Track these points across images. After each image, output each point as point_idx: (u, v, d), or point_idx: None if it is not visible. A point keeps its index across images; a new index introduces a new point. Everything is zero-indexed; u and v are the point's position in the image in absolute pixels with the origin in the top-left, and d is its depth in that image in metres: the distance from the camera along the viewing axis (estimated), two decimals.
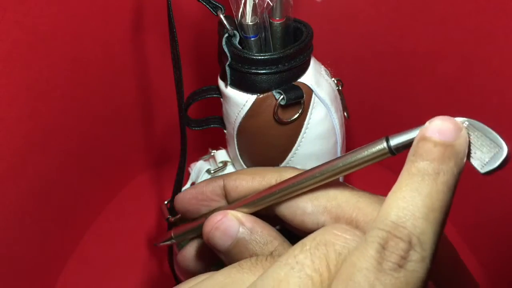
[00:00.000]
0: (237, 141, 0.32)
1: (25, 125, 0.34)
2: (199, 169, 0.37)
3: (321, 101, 0.31)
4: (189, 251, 0.25)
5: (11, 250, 0.35)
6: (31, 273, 0.39)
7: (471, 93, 0.39)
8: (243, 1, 0.28)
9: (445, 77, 0.41)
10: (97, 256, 0.46)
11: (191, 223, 0.24)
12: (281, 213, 0.20)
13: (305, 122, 0.31)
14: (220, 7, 0.28)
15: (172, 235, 0.25)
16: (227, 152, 0.36)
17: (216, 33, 0.30)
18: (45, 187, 0.38)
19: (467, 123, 0.16)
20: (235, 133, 0.31)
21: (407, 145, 0.17)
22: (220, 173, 0.35)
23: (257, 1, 0.27)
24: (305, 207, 0.20)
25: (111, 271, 0.44)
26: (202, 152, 0.38)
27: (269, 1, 0.28)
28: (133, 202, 0.51)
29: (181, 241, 0.25)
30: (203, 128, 0.33)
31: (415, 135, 0.17)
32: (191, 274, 0.24)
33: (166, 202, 0.35)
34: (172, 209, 0.34)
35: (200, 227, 0.22)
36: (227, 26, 0.28)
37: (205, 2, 0.28)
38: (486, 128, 0.16)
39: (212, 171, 0.35)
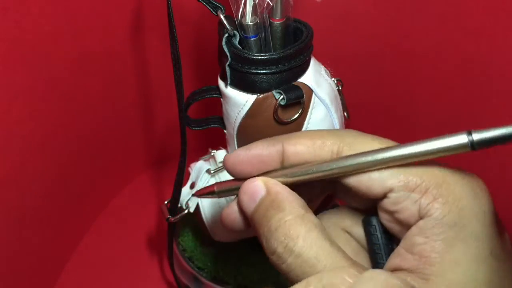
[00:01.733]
0: (237, 141, 0.32)
1: (25, 125, 0.34)
2: (199, 169, 0.37)
3: (321, 101, 0.31)
4: (235, 206, 0.23)
5: (11, 250, 0.35)
6: (31, 273, 0.39)
7: (471, 93, 0.39)
8: (243, 1, 0.28)
9: (445, 77, 0.41)
10: (97, 256, 0.46)
11: (236, 181, 0.23)
12: (344, 181, 0.20)
13: (305, 122, 0.31)
14: (220, 7, 0.28)
15: (215, 189, 0.24)
16: (227, 152, 0.36)
17: (216, 33, 0.30)
18: (45, 187, 0.38)
19: None
20: (235, 133, 0.31)
21: (490, 141, 0.16)
22: (220, 174, 0.35)
23: (257, 1, 0.27)
24: (370, 172, 0.19)
25: (111, 271, 0.44)
26: (202, 152, 0.38)
27: (269, 1, 0.28)
28: (133, 202, 0.51)
29: (223, 197, 0.24)
30: (203, 128, 0.33)
31: (500, 132, 0.16)
32: (232, 232, 0.24)
33: (166, 202, 0.35)
34: (172, 209, 0.34)
35: None
36: (227, 26, 0.28)
37: (205, 2, 0.28)
38: None
39: (212, 171, 0.35)
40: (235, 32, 0.28)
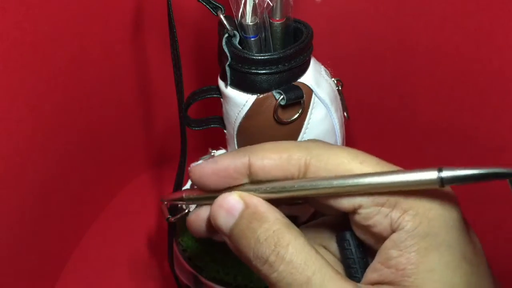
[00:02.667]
0: (237, 141, 0.32)
1: (25, 125, 0.34)
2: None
3: (321, 101, 0.31)
4: (203, 213, 0.23)
5: (11, 250, 0.35)
6: (31, 273, 0.39)
7: (471, 93, 0.39)
8: (243, 1, 0.28)
9: (445, 77, 0.41)
10: (97, 256, 0.46)
11: (205, 192, 0.23)
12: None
13: (305, 122, 0.31)
14: (220, 7, 0.28)
15: (184, 195, 0.24)
16: (227, 152, 0.36)
17: (216, 33, 0.30)
18: (45, 187, 0.38)
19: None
20: (235, 133, 0.31)
21: (459, 180, 0.16)
22: None
23: (257, 1, 0.27)
24: None
25: (111, 271, 0.44)
26: (202, 152, 0.38)
27: (269, 1, 0.28)
28: (133, 202, 0.51)
29: (190, 203, 0.24)
30: (203, 128, 0.33)
31: (470, 172, 0.16)
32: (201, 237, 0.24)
33: (166, 202, 0.35)
34: (172, 209, 0.34)
35: (212, 198, 0.21)
36: (227, 26, 0.28)
37: (205, 2, 0.28)
38: None
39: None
40: (235, 32, 0.28)
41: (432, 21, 0.40)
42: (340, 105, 0.34)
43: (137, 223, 0.48)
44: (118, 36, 0.41)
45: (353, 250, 0.21)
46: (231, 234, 0.20)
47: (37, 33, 0.33)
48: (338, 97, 0.34)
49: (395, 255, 0.18)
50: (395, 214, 0.18)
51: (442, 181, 0.17)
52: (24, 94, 0.33)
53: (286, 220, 0.20)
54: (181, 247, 0.41)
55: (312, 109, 0.30)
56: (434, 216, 0.18)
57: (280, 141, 0.21)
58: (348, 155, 0.20)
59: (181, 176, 0.32)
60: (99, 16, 0.39)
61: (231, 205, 0.20)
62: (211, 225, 0.22)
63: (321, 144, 0.21)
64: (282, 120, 0.30)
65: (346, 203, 0.19)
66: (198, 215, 0.23)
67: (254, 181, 0.21)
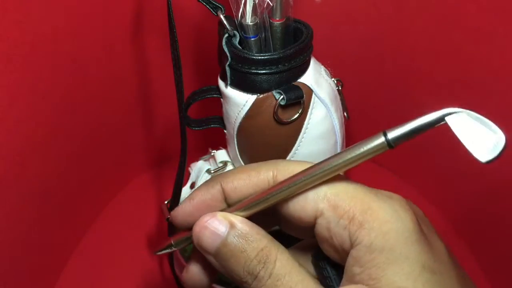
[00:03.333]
0: (237, 141, 0.32)
1: (25, 125, 0.34)
2: (199, 169, 0.37)
3: (321, 101, 0.31)
4: (194, 268, 0.24)
5: (11, 250, 0.35)
6: (31, 273, 0.39)
7: (471, 93, 0.39)
8: (243, 1, 0.28)
9: (445, 77, 0.41)
10: (97, 256, 0.46)
11: (190, 230, 0.24)
12: (282, 210, 0.21)
13: (305, 122, 0.31)
14: (220, 7, 0.28)
15: (172, 242, 0.25)
16: (227, 152, 0.36)
17: (216, 33, 0.30)
18: (45, 187, 0.38)
19: (464, 114, 0.17)
20: (235, 133, 0.31)
21: (405, 136, 0.17)
22: (220, 173, 0.35)
23: (257, 1, 0.27)
24: (306, 193, 0.20)
25: (111, 271, 0.44)
26: (202, 152, 0.38)
27: (269, 1, 0.28)
28: (133, 202, 0.51)
29: (181, 248, 0.25)
30: (203, 128, 0.33)
31: (412, 126, 0.17)
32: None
33: (166, 202, 0.35)
34: (172, 209, 0.34)
35: None
36: (227, 26, 0.28)
37: (205, 2, 0.28)
38: (483, 119, 0.17)
39: (212, 171, 0.35)
40: (235, 32, 0.28)
41: (432, 21, 0.40)
42: (340, 105, 0.34)
43: (137, 223, 0.48)
44: (118, 36, 0.41)
45: (328, 269, 0.21)
46: (218, 253, 0.21)
47: (37, 33, 0.33)
48: (338, 97, 0.34)
49: (357, 272, 0.18)
50: (352, 227, 0.18)
51: (389, 142, 0.17)
52: (24, 94, 0.33)
53: (270, 236, 0.21)
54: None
55: (312, 109, 0.30)
56: (389, 229, 0.18)
57: (248, 164, 0.23)
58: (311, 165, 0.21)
59: (181, 176, 0.32)
60: (99, 16, 0.39)
61: (216, 225, 0.21)
62: (206, 272, 0.24)
63: (286, 160, 0.22)
64: (282, 120, 0.30)
65: (310, 210, 0.20)
66: (192, 271, 0.24)
67: (231, 205, 0.22)
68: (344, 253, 0.19)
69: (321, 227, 0.20)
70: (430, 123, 0.17)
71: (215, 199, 0.22)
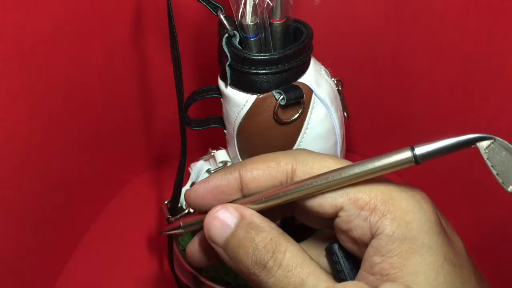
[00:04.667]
0: (237, 141, 0.32)
1: (25, 125, 0.34)
2: (199, 169, 0.37)
3: (321, 101, 0.31)
4: (194, 246, 0.24)
5: (11, 250, 0.35)
6: (31, 273, 0.39)
7: (471, 93, 0.39)
8: (243, 1, 0.28)
9: (445, 77, 0.41)
10: (97, 256, 0.46)
11: (200, 214, 0.23)
12: (299, 202, 0.21)
13: (305, 122, 0.31)
14: (220, 7, 0.28)
15: (181, 224, 0.24)
16: (227, 152, 0.36)
17: (216, 33, 0.30)
18: (45, 187, 0.38)
19: (496, 142, 0.17)
20: (235, 133, 0.31)
21: (432, 154, 0.17)
22: None
23: (257, 1, 0.27)
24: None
25: (111, 271, 0.44)
26: (202, 152, 0.38)
27: (269, 1, 0.28)
28: (133, 202, 0.51)
29: (188, 231, 0.25)
30: (203, 128, 0.33)
31: (442, 145, 0.17)
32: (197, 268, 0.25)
33: (166, 202, 0.35)
34: (172, 209, 0.34)
35: None
36: (227, 26, 0.28)
37: (205, 2, 0.28)
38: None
39: (212, 171, 0.35)
40: (235, 32, 0.28)
41: (432, 21, 0.40)
42: (340, 105, 0.34)
43: (137, 223, 0.48)
44: (118, 36, 0.41)
45: (342, 262, 0.21)
46: (226, 244, 0.20)
47: (37, 33, 0.33)
48: (338, 97, 0.34)
49: (378, 261, 0.18)
50: (373, 218, 0.18)
51: (416, 158, 0.18)
52: (24, 94, 0.33)
53: (280, 230, 0.20)
54: (181, 247, 0.41)
55: (312, 109, 0.30)
56: (412, 219, 0.18)
57: (267, 153, 0.22)
58: (333, 160, 0.20)
59: (181, 176, 0.32)
60: (99, 16, 0.39)
61: (226, 217, 0.21)
62: (207, 251, 0.23)
63: (307, 151, 0.22)
64: (282, 120, 0.30)
65: (329, 206, 0.19)
66: (195, 245, 0.24)
67: (246, 195, 0.22)
68: (363, 244, 0.19)
69: (340, 220, 0.19)
70: (460, 144, 0.17)
71: (231, 187, 0.22)
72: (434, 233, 0.18)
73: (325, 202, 0.20)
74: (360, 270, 0.19)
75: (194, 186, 0.23)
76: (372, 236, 0.18)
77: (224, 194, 0.22)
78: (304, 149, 0.22)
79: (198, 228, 0.24)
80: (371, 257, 0.18)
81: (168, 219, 0.34)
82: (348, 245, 0.20)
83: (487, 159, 0.17)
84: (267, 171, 0.21)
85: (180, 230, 0.25)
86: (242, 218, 0.20)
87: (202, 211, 0.23)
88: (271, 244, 0.19)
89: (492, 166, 0.17)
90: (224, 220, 0.21)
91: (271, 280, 0.19)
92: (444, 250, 0.18)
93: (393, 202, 0.18)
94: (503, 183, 0.16)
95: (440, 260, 0.18)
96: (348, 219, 0.19)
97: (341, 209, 0.19)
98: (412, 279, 0.17)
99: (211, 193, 0.22)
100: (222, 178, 0.22)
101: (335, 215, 0.20)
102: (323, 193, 0.20)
